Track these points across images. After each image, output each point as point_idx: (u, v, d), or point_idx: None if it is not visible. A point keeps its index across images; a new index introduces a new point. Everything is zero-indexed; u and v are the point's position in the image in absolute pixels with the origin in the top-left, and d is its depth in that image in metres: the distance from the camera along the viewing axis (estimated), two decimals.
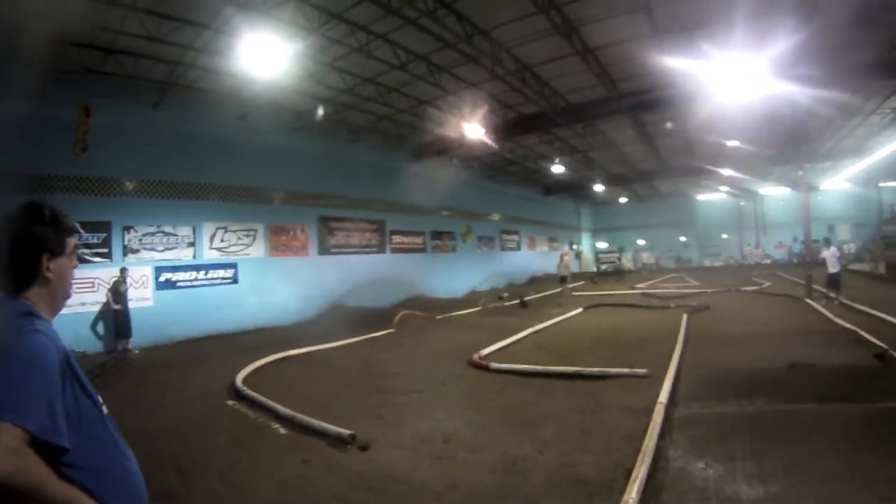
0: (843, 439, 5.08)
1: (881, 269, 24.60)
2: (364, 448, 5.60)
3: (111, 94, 13.61)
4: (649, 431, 5.28)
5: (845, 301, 14.80)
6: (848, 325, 11.22)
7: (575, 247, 47.85)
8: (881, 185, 37.03)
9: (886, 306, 12.96)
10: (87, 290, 13.52)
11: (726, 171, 31.74)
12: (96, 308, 13.71)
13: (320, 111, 17.04)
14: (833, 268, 15.69)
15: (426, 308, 18.87)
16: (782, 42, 13.32)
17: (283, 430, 6.41)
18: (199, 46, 12.86)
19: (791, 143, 22.01)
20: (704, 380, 7.56)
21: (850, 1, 12.57)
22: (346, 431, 5.82)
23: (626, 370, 8.16)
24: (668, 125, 21.33)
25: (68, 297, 1.80)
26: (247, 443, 6.05)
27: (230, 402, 7.89)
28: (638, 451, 4.87)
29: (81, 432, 1.52)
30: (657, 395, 6.55)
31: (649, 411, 5.96)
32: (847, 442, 5.01)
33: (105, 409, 1.68)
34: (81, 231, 13.55)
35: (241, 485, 5.00)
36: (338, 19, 12.44)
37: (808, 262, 18.80)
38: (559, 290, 22.59)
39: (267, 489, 4.90)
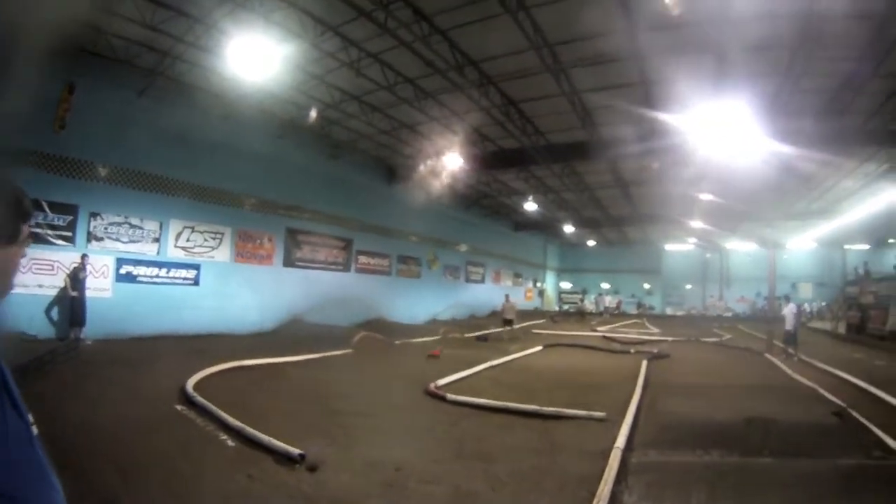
0: (800, 495, 5.09)
1: (841, 328, 25.09)
2: (312, 469, 5.37)
3: (97, 75, 13.32)
4: (605, 476, 5.18)
5: (804, 358, 15.00)
6: (807, 382, 11.34)
7: (539, 285, 48.14)
8: (846, 247, 38.08)
9: (845, 365, 13.23)
10: (46, 273, 13.12)
11: (697, 223, 32.30)
12: (53, 292, 13.25)
13: (313, 114, 16.93)
14: (789, 325, 15.96)
15: (386, 332, 18.66)
16: (767, 100, 13.67)
17: (230, 442, 6.15)
18: (190, 40, 12.70)
19: (764, 202, 22.49)
20: (662, 427, 7.49)
21: (838, 68, 12.97)
22: (295, 450, 5.59)
23: (583, 412, 8.04)
24: (655, 166, 21.54)
25: (9, 290, 1.53)
26: (193, 452, 5.79)
27: (179, 407, 7.59)
28: (593, 494, 4.76)
29: (5, 455, 1.30)
30: (614, 439, 6.45)
31: (605, 455, 5.84)
32: (804, 498, 5.02)
33: (35, 430, 1.44)
34: (47, 211, 13.23)
35: (183, 495, 4.77)
36: (332, 32, 12.48)
37: (770, 317, 19.06)
38: (505, 329, 21.56)
39: (209, 501, 4.70)
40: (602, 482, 5.04)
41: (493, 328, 23.04)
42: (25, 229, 1.50)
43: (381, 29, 12.09)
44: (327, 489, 5.00)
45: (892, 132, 16.06)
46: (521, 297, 43.42)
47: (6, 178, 1.50)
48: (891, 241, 36.77)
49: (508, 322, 21.57)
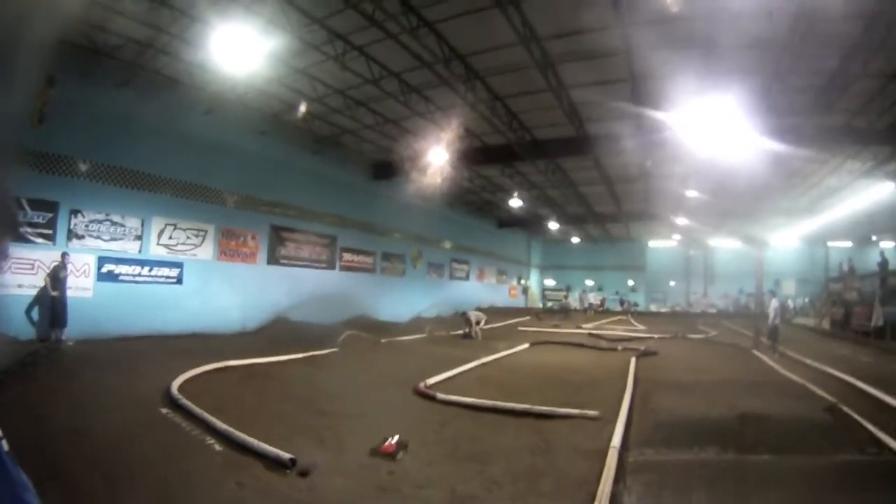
0: (799, 491, 5.05)
1: (825, 324, 25.29)
2: (304, 474, 5.18)
3: (76, 67, 12.86)
4: (604, 476, 5.07)
5: (790, 353, 15.06)
6: (796, 378, 11.34)
7: (523, 282, 48.15)
8: (830, 244, 38.45)
9: (832, 361, 13.28)
10: (25, 272, 12.81)
11: (682, 221, 32.41)
12: (33, 292, 12.91)
13: (302, 108, 16.72)
14: (771, 320, 16.13)
15: (371, 330, 18.51)
16: (755, 97, 13.67)
17: (218, 447, 5.94)
18: (174, 31, 12.41)
19: (749, 199, 22.60)
20: (656, 425, 7.40)
21: (826, 67, 13.01)
22: (286, 455, 5.40)
23: (576, 411, 7.93)
24: (649, 164, 21.52)
25: None
26: (179, 458, 5.57)
27: (164, 411, 7.36)
28: (592, 496, 4.67)
29: None
30: (609, 438, 6.35)
31: (602, 455, 5.74)
32: (805, 494, 4.98)
33: (6, 445, 1.28)
34: (26, 208, 12.92)
35: None
36: (318, 24, 12.25)
37: (756, 314, 19.11)
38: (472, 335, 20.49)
39: None
40: (601, 482, 4.94)
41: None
42: None
43: (367, 21, 11.91)
44: (320, 495, 4.83)
45: (877, 131, 16.23)
46: (506, 294, 43.47)
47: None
48: (874, 238, 37.23)
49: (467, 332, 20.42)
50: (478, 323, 20.70)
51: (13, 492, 1.22)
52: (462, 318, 21.53)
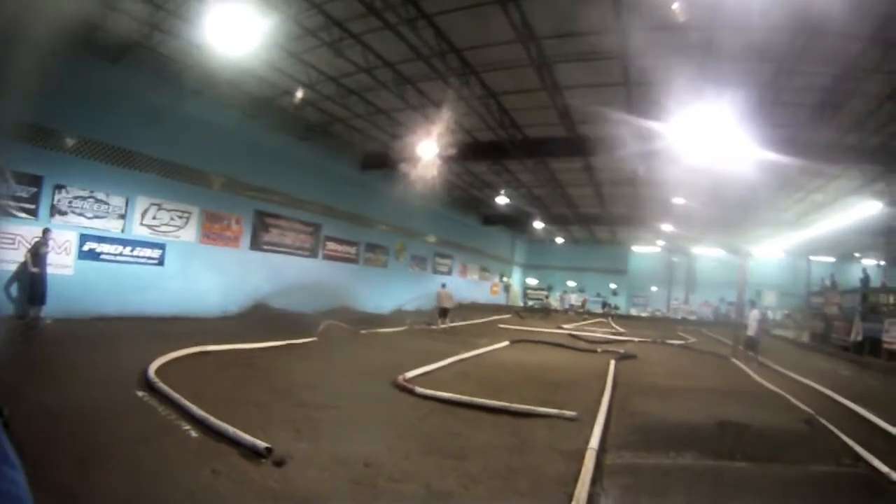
0: (776, 500, 5.13)
1: (805, 337, 25.60)
2: (279, 464, 5.11)
3: (68, 39, 12.58)
4: (581, 477, 5.05)
5: (766, 362, 15.25)
6: (774, 388, 11.42)
7: (505, 279, 48.28)
8: (812, 258, 38.85)
9: (811, 373, 13.48)
10: (6, 247, 12.54)
11: (667, 227, 32.55)
12: (12, 268, 12.63)
13: (298, 94, 16.57)
14: (751, 330, 16.27)
15: (352, 320, 18.42)
16: (749, 109, 13.72)
17: (193, 433, 5.84)
18: (169, 7, 12.21)
19: (736, 209, 22.73)
20: (634, 428, 7.40)
21: (820, 84, 13.08)
22: (262, 444, 5.33)
23: (554, 411, 7.92)
24: (641, 170, 21.57)
25: None
26: (154, 442, 5.49)
27: (140, 394, 7.26)
28: (569, 496, 4.66)
29: None
30: (587, 439, 6.37)
31: (579, 455, 5.74)
32: (780, 502, 5.07)
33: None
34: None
35: (144, 489, 4.50)
36: (316, 9, 12.11)
37: (735, 322, 19.25)
38: (436, 324, 21.28)
39: (171, 497, 4.41)
40: (578, 483, 4.92)
41: (460, 321, 22.96)
42: None
43: (366, 9, 11.82)
44: (294, 486, 4.75)
45: (868, 149, 16.35)
46: (487, 291, 43.50)
47: None
48: (856, 255, 37.63)
49: (444, 312, 21.39)
50: (446, 311, 21.04)
51: (3, 452, 1.16)
52: (441, 290, 22.13)
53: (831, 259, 39.73)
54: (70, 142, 13.91)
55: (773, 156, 15.33)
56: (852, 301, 21.64)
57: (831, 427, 7.70)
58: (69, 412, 6.04)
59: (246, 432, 5.64)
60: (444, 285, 22.69)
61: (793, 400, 10.03)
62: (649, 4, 10.60)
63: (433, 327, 20.91)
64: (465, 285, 38.24)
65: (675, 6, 10.33)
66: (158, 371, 8.28)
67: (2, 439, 1.15)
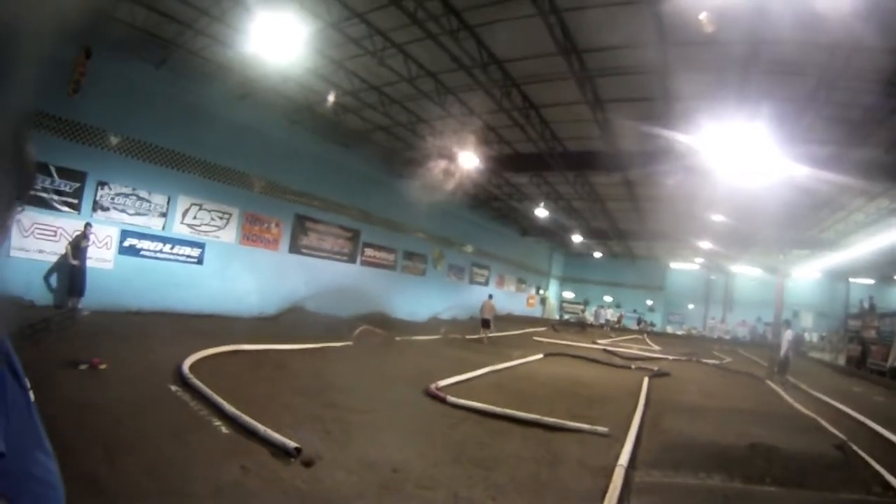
0: None
1: (841, 360, 24.94)
2: (308, 464, 5.19)
3: (115, 42, 12.98)
4: (609, 494, 5.04)
5: (801, 386, 14.99)
6: (808, 412, 11.19)
7: (542, 292, 47.90)
8: (851, 279, 37.82)
9: (845, 398, 13.18)
10: (48, 239, 12.99)
11: (705, 244, 32.07)
12: (53, 259, 13.10)
13: (331, 97, 16.70)
14: (783, 350, 15.96)
15: (386, 327, 18.58)
16: (788, 126, 13.49)
17: (224, 430, 5.97)
18: (215, 14, 12.48)
19: (775, 228, 22.31)
20: (664, 447, 7.33)
21: (862, 100, 12.79)
22: (291, 443, 5.43)
23: (586, 426, 7.88)
24: (671, 182, 21.32)
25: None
26: (184, 436, 5.61)
27: (173, 388, 7.44)
28: None
29: (4, 423, 1.11)
30: (617, 455, 6.33)
31: (608, 472, 5.72)
32: None
33: (32, 396, 1.26)
34: (55, 176, 13.11)
35: (171, 481, 4.57)
36: (359, 18, 12.30)
37: (772, 343, 18.89)
38: (479, 334, 21.10)
39: (198, 492, 4.47)
40: (605, 500, 4.91)
41: (497, 332, 22.89)
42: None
43: (409, 19, 11.93)
44: (322, 487, 4.83)
45: None
46: (523, 302, 43.29)
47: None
48: None
49: (486, 323, 21.15)
50: (488, 322, 20.90)
51: (38, 439, 1.22)
52: (486, 301, 21.82)
53: (870, 281, 38.49)
54: (114, 140, 14.32)
55: (812, 173, 15.03)
56: (891, 325, 21.03)
57: (863, 454, 7.53)
58: (101, 403, 6.19)
59: (276, 432, 5.73)
60: (490, 296, 22.52)
61: (826, 424, 9.83)
62: (688, 18, 10.50)
63: (472, 337, 20.78)
64: (502, 296, 38.05)
65: (702, 16, 10.24)
66: (193, 367, 8.46)
67: (38, 426, 1.22)
